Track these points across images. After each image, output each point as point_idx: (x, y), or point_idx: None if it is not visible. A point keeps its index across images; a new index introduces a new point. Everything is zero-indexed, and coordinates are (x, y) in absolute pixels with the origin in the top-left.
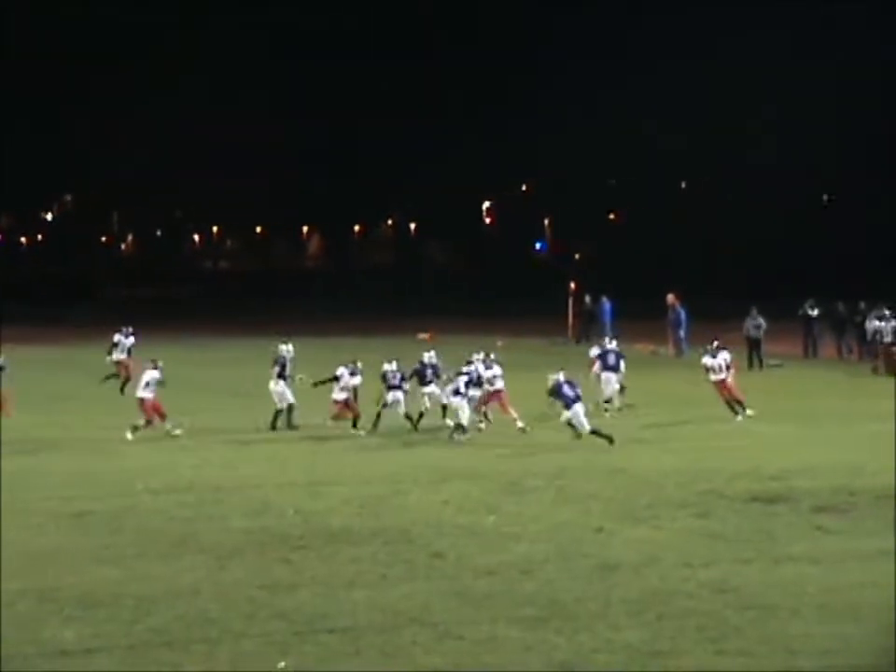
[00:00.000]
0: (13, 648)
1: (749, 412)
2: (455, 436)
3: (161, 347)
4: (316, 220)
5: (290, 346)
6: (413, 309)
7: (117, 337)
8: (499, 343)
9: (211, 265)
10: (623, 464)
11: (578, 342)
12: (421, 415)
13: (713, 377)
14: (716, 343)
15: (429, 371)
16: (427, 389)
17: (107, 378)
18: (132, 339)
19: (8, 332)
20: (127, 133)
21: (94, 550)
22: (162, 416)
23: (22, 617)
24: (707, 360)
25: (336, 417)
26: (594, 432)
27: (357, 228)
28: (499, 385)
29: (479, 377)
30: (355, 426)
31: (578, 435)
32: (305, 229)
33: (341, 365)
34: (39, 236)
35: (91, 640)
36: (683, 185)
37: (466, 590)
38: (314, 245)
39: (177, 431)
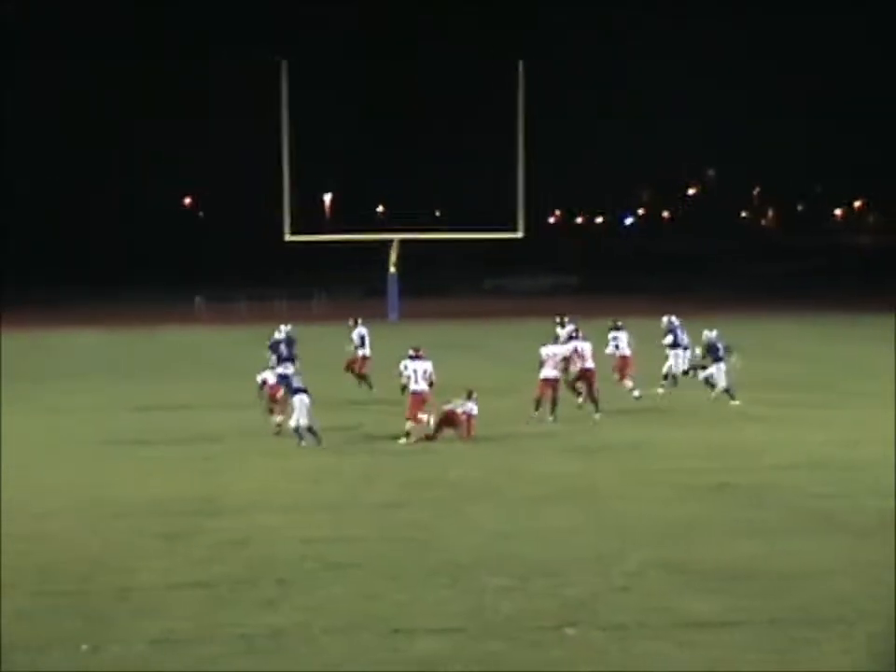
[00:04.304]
0: (642, 616)
1: None
2: None
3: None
4: None
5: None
6: None
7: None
8: None
9: (852, 240)
10: None
11: None
12: None
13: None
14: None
15: None
16: None
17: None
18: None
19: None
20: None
21: (734, 523)
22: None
23: (651, 587)
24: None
25: None
26: None
27: None
28: None
29: None
30: None
31: None
32: None
33: None
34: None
35: (730, 614)
36: None
37: None
38: None
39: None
